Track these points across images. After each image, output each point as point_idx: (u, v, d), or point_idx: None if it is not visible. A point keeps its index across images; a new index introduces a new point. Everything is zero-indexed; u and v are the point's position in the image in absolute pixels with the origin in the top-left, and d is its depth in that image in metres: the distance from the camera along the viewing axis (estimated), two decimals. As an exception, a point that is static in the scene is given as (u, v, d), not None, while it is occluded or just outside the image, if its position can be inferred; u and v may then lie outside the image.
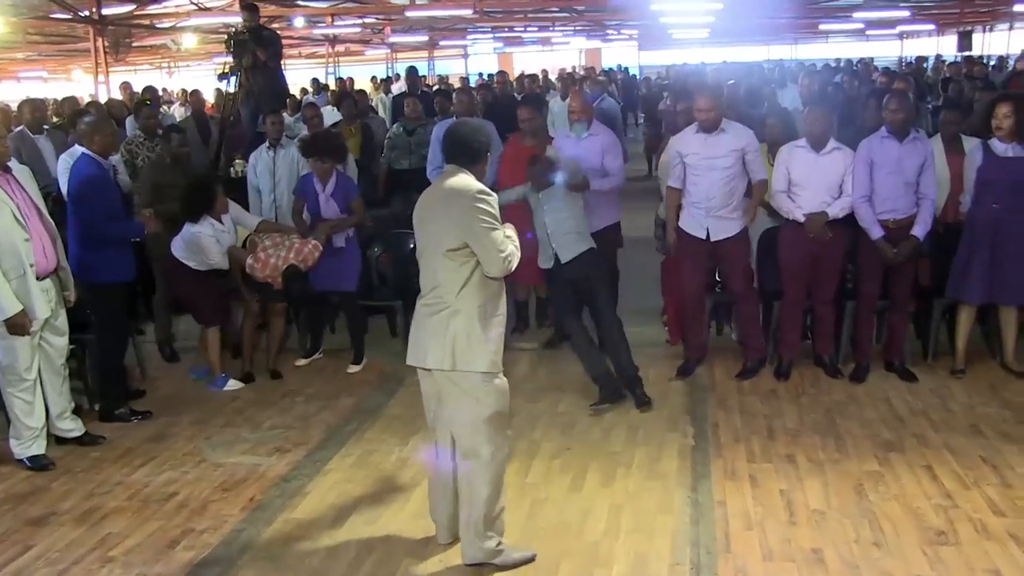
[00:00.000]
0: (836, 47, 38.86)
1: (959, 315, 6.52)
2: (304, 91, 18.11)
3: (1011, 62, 19.42)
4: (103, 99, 13.96)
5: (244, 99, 10.38)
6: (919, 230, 6.11)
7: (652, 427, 5.86)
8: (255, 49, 9.87)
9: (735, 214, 6.43)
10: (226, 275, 6.80)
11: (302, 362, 7.31)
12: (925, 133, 7.01)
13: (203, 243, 6.57)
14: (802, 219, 6.27)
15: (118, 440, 5.97)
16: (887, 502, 4.83)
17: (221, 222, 6.74)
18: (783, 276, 6.56)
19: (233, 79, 10.49)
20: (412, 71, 12.63)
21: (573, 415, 6.07)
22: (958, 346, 6.55)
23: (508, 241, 4.16)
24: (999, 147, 6.19)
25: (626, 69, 26.97)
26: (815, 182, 6.27)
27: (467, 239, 4.09)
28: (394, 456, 5.59)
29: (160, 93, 16.48)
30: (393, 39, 30.85)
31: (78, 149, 6.24)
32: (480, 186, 4.19)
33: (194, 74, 33.22)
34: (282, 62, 10.97)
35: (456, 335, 4.12)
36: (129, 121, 9.64)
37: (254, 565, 4.45)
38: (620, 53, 39.61)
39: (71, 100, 12.33)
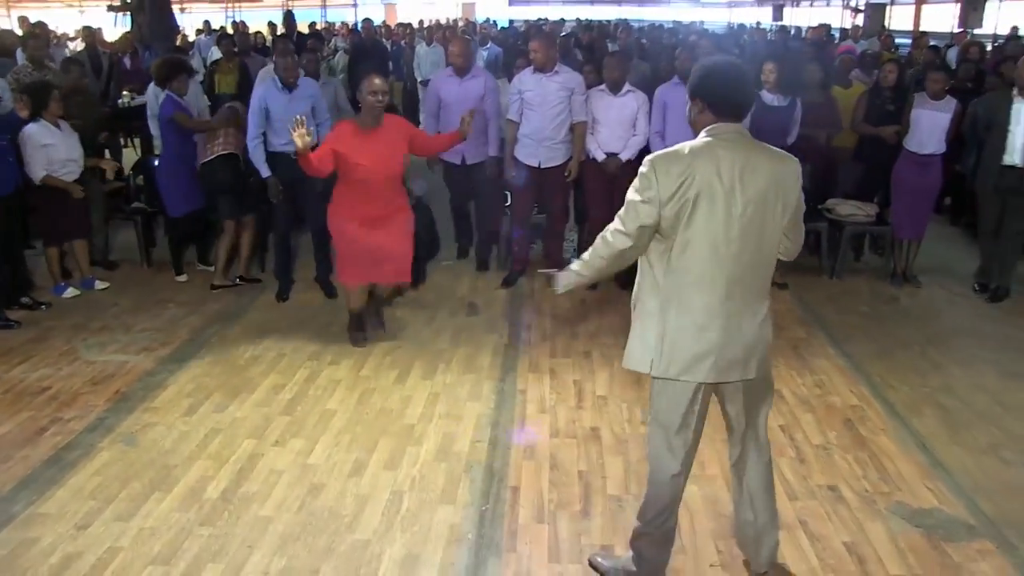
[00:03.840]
0: (676, 11, 39.14)
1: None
2: (199, 31, 17.33)
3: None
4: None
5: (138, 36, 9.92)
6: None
7: (474, 330, 5.93)
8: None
9: (562, 145, 6.44)
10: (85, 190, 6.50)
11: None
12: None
13: (27, 147, 6.16)
14: (601, 158, 6.35)
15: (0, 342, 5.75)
16: (659, 390, 5.00)
17: (59, 127, 6.35)
18: (588, 201, 6.65)
19: (128, 16, 9.99)
20: (288, 15, 12.21)
21: (406, 319, 6.09)
22: None
23: None
24: (767, 97, 6.36)
25: (495, 22, 26.51)
26: (612, 120, 6.33)
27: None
28: (248, 354, 5.53)
29: (53, 29, 15.50)
30: (286, -14, 29.69)
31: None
32: None
33: (104, 14, 31.46)
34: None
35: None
36: (19, 52, 9.08)
37: (112, 447, 4.38)
38: (493, 7, 39.07)
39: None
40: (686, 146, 2.90)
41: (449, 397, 4.91)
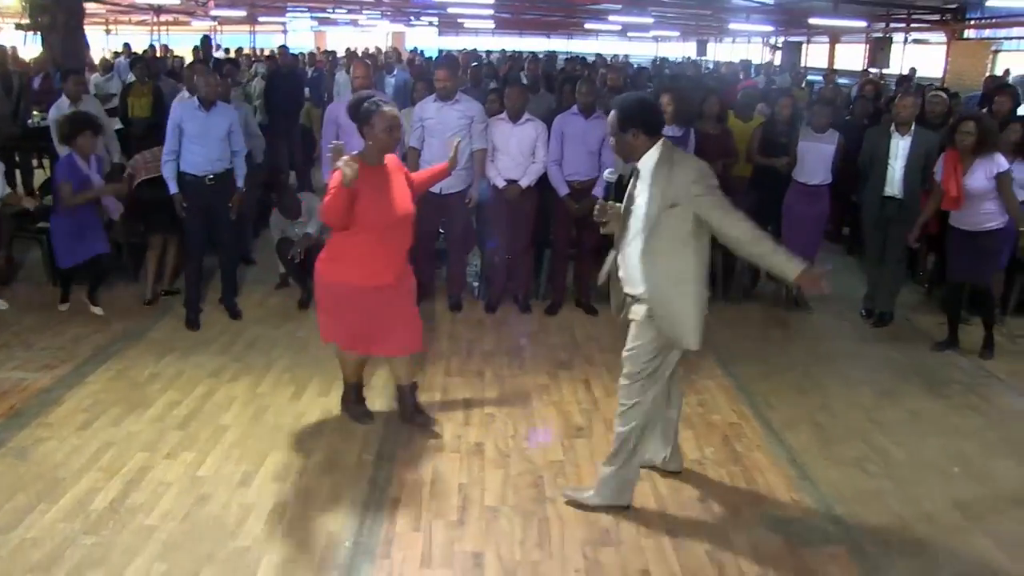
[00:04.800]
0: (605, 44, 39.92)
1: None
2: (116, 53, 17.25)
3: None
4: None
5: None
6: (598, 191, 6.41)
7: (373, 350, 6.06)
8: (54, 11, 9.38)
9: (462, 172, 6.58)
10: None
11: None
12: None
13: None
14: (501, 185, 6.56)
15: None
16: (546, 407, 5.21)
17: None
18: (488, 227, 6.85)
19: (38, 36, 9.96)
20: (205, 40, 12.27)
21: (309, 339, 6.17)
22: None
23: None
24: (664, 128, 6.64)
25: (422, 52, 26.78)
26: (512, 148, 6.55)
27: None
28: (148, 371, 5.58)
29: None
30: (216, 12, 29.61)
31: None
32: None
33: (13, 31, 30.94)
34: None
35: None
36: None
37: (3, 460, 4.40)
38: (423, 37, 39.45)
39: None
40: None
41: (341, 415, 5.02)
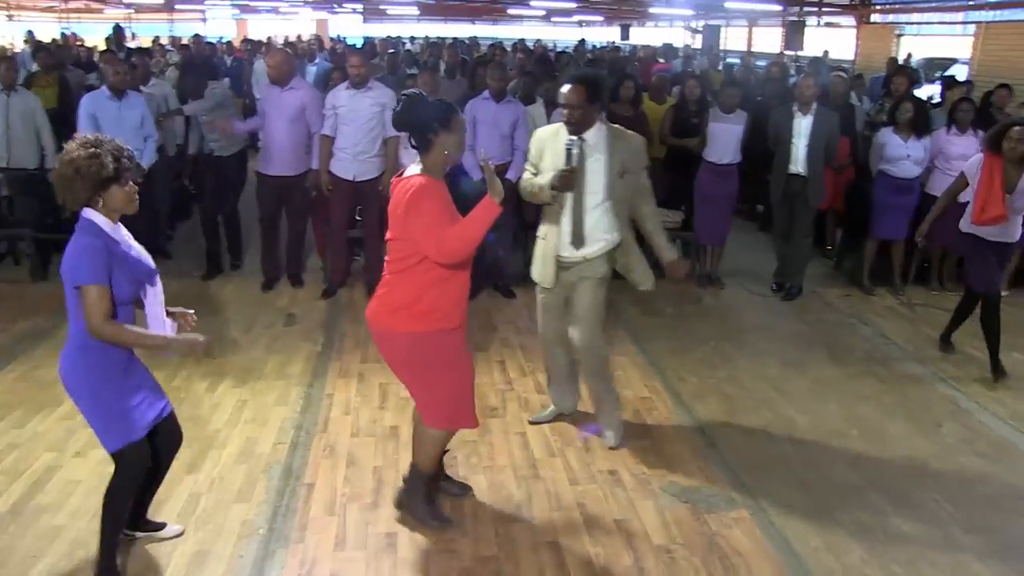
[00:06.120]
0: (529, 29, 40.00)
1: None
2: (25, 42, 16.76)
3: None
4: None
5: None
6: (512, 174, 6.49)
7: (290, 338, 6.07)
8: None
9: (376, 159, 6.62)
10: None
11: None
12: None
13: None
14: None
15: None
16: (462, 389, 5.27)
17: None
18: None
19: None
20: (117, 29, 12.02)
21: (224, 331, 6.16)
22: None
23: None
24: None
25: (345, 39, 26.49)
26: None
27: None
28: (55, 372, 5.46)
29: None
30: (130, -1, 28.84)
31: None
32: None
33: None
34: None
35: None
36: None
37: (-100, 466, 4.32)
38: (347, 24, 39.04)
39: None
40: None
41: (257, 403, 5.04)
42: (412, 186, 3.41)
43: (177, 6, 33.11)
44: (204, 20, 38.45)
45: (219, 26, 36.31)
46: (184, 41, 17.67)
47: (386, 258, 3.59)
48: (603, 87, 4.29)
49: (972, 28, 15.55)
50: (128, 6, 30.66)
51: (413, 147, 3.50)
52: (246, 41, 18.82)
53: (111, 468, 4.22)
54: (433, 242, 3.36)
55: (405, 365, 3.64)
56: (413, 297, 3.49)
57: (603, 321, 4.56)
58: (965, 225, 5.83)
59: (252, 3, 32.60)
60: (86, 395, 3.39)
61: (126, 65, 6.41)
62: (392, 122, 3.57)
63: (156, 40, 20.40)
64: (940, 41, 18.32)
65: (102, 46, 17.70)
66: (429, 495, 3.89)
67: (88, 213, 3.16)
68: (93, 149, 3.10)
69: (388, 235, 3.55)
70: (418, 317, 3.50)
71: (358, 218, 7.00)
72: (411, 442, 3.92)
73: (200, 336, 3.31)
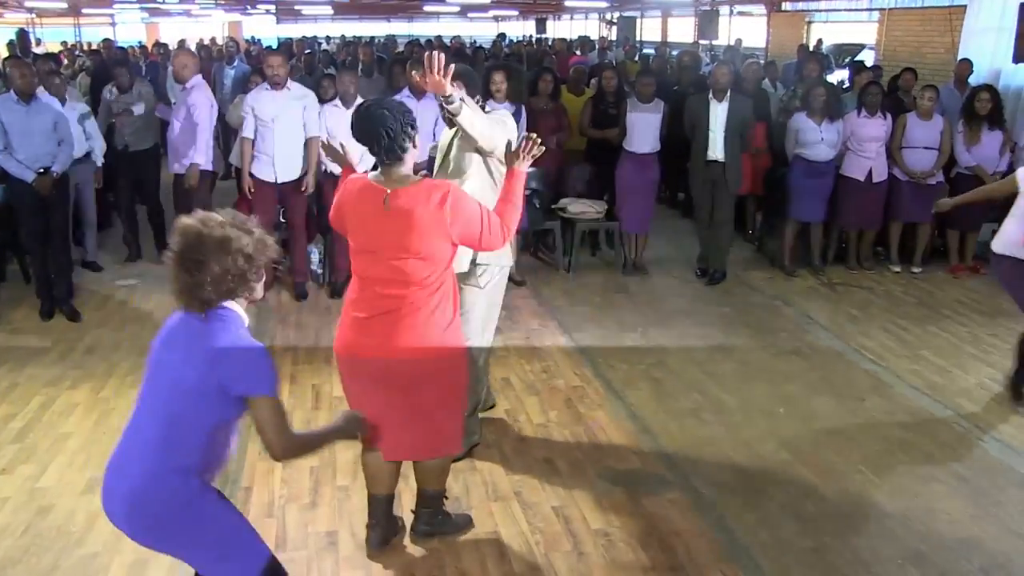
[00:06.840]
0: (446, 26, 39.90)
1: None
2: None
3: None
4: None
5: None
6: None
7: (219, 343, 5.98)
8: None
9: (298, 159, 6.57)
10: None
11: None
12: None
13: None
14: (338, 171, 6.54)
15: None
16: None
17: None
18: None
19: None
20: (22, 33, 11.67)
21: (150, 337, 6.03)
22: None
23: None
24: (496, 105, 6.78)
25: (259, 41, 26.08)
26: (345, 134, 6.37)
27: None
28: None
29: None
30: (32, 3, 27.85)
31: None
32: None
33: None
34: None
35: None
36: None
37: None
38: (260, 25, 38.39)
39: None
40: None
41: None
42: (437, 199, 3.13)
43: (84, 10, 32.16)
44: (113, 24, 37.50)
45: (129, 30, 35.46)
46: (95, 46, 17.22)
47: (408, 280, 3.20)
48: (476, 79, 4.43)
49: (876, 15, 16.04)
50: (30, 10, 29.66)
51: (386, 161, 3.19)
52: (157, 44, 18.43)
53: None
54: (494, 228, 3.26)
55: (449, 389, 3.40)
56: (453, 310, 3.33)
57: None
58: (1009, 247, 5.01)
59: (162, 6, 31.89)
60: (208, 525, 2.58)
61: (30, 68, 6.23)
62: (354, 135, 3.21)
63: (65, 44, 19.86)
64: (848, 27, 18.86)
65: (4, 52, 17.18)
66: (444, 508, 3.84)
67: (233, 305, 2.58)
68: (255, 230, 2.56)
69: (410, 255, 3.17)
70: (457, 329, 3.37)
71: (282, 220, 6.93)
72: (414, 475, 3.79)
73: (358, 412, 3.03)
